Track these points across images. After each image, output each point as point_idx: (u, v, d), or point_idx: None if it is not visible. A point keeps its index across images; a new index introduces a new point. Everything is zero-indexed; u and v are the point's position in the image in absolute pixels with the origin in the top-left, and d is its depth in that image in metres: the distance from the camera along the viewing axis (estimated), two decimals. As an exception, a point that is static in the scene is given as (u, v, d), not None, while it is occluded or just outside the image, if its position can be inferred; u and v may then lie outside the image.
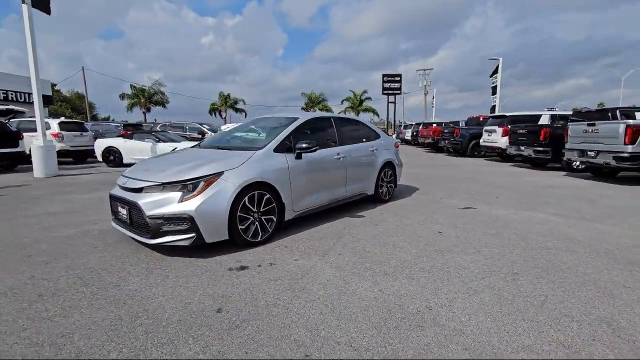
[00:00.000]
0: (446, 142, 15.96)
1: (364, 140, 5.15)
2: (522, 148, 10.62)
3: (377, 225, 4.17)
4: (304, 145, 3.78)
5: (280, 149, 3.75)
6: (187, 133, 13.86)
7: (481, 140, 13.78)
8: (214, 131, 14.11)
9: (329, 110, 42.76)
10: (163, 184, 3.08)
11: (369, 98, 42.74)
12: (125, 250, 3.30)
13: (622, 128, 7.14)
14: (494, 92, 25.55)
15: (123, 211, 3.28)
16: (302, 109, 44.10)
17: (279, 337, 1.91)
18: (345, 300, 2.33)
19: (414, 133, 23.90)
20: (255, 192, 3.35)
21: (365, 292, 2.43)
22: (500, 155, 12.97)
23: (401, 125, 32.10)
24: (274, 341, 1.87)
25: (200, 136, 13.65)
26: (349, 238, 3.66)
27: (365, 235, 3.77)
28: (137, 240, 3.29)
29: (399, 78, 40.05)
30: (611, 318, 2.10)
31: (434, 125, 20.68)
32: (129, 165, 11.24)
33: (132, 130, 14.83)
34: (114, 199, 3.44)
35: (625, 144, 7.07)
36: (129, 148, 10.72)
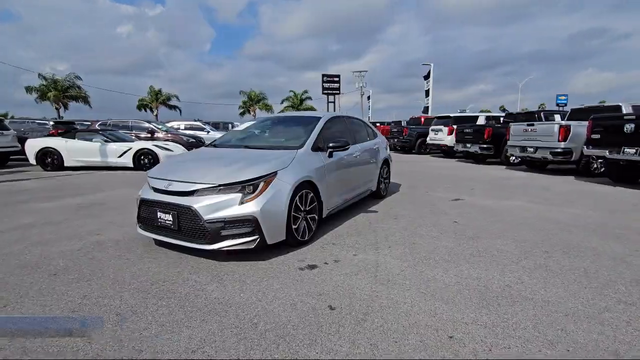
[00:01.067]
0: (395, 140, 17.11)
1: (368, 138, 5.38)
2: (469, 145, 11.92)
3: (397, 218, 4.43)
4: (337, 144, 3.86)
5: (314, 147, 3.78)
6: (134, 132, 12.61)
7: (428, 139, 15.07)
8: (165, 131, 13.10)
9: (269, 108, 42.30)
10: (221, 185, 2.91)
11: (309, 97, 43.34)
12: (168, 259, 3.04)
13: (556, 128, 8.52)
14: (427, 95, 27.96)
15: (167, 217, 3.00)
16: (241, 107, 42.89)
17: (407, 325, 2.02)
18: (435, 286, 2.52)
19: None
20: (303, 191, 3.34)
21: (444, 278, 2.65)
22: (445, 152, 14.33)
23: None
24: (405, 329, 1.98)
25: (150, 135, 12.55)
26: (383, 232, 3.85)
27: (395, 228, 4.00)
28: (173, 247, 3.05)
29: (337, 79, 41.32)
30: (638, 276, 2.63)
31: (379, 124, 21.93)
32: (72, 168, 10.01)
33: (63, 129, 13.04)
34: (150, 204, 3.11)
35: (558, 141, 8.46)
36: (71, 149, 9.42)
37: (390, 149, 18.67)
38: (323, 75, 40.93)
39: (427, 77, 27.03)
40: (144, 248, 3.32)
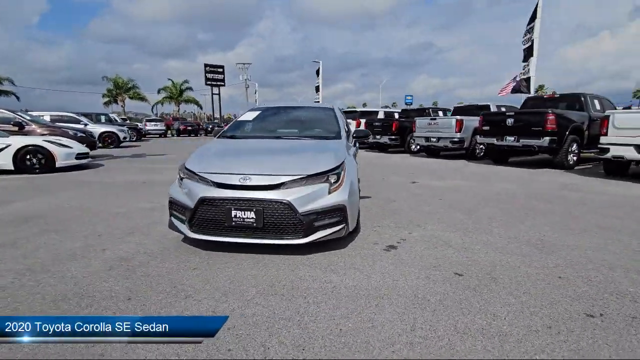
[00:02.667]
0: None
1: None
2: (378, 137, 13.49)
3: (395, 201, 4.95)
4: (360, 134, 4.08)
5: (347, 136, 3.91)
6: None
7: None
8: (40, 124, 10.30)
9: (143, 99, 37.16)
10: (310, 176, 2.80)
11: (190, 88, 39.92)
12: (255, 261, 2.75)
13: (454, 121, 10.57)
14: (317, 90, 29.60)
15: (247, 214, 2.69)
16: (106, 96, 36.36)
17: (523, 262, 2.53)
18: (514, 247, 3.11)
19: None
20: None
21: (502, 233, 3.28)
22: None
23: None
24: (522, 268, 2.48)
25: (16, 128, 9.66)
26: (404, 214, 4.29)
27: (406, 209, 4.49)
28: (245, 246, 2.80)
29: (222, 69, 39.33)
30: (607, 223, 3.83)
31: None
32: None
33: None
34: (219, 203, 2.71)
35: (455, 132, 10.54)
36: None
37: None
38: (206, 65, 38.27)
39: (317, 74, 28.58)
40: (205, 255, 2.88)
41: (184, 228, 2.90)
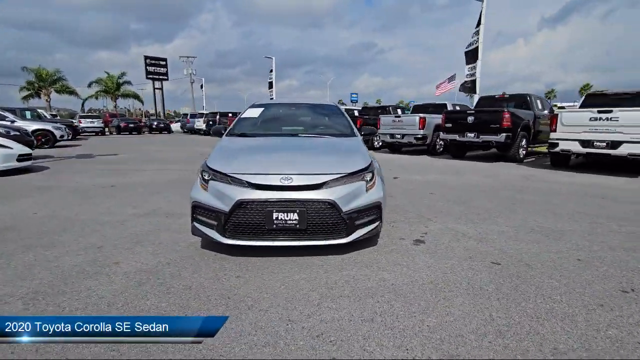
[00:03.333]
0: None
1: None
2: (343, 134, 13.70)
3: (393, 197, 5.07)
4: (367, 132, 4.12)
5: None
6: None
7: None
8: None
9: (73, 92, 33.33)
10: (351, 174, 2.75)
11: (128, 82, 36.70)
12: (299, 267, 2.64)
13: (417, 119, 11.12)
14: (270, 87, 29.16)
15: (289, 216, 2.57)
16: (26, 89, 31.97)
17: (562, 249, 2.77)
18: (524, 235, 3.36)
19: (210, 122, 23.65)
20: (373, 176, 3.52)
21: (512, 231, 3.54)
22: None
23: (187, 115, 30.18)
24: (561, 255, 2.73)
25: None
26: (409, 209, 4.43)
27: (410, 204, 4.65)
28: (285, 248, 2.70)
29: (164, 62, 36.73)
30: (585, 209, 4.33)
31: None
32: None
33: None
34: (259, 206, 2.55)
35: (419, 129, 11.11)
36: None
37: None
38: (146, 57, 35.41)
39: (271, 70, 28.10)
40: (239, 261, 2.69)
41: (213, 234, 2.69)
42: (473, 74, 15.67)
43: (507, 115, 8.80)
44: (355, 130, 3.92)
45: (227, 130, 3.84)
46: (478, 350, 1.66)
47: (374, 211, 2.87)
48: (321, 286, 2.33)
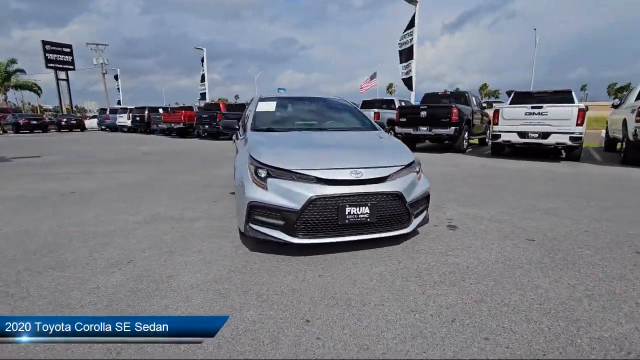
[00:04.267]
0: (207, 127, 16.34)
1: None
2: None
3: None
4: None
5: None
6: None
7: (245, 124, 15.61)
8: None
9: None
10: (405, 166, 2.82)
11: (22, 70, 30.88)
12: (346, 260, 2.62)
13: (372, 113, 11.63)
14: (202, 80, 27.48)
15: (361, 210, 2.54)
16: None
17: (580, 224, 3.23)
18: (533, 215, 3.81)
19: (137, 118, 21.39)
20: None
21: (521, 212, 4.00)
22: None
23: (106, 110, 26.49)
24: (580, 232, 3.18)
25: None
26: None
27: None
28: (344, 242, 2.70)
29: (69, 49, 31.69)
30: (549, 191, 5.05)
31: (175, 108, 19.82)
32: None
33: None
34: (332, 201, 2.48)
35: (374, 123, 11.64)
36: None
37: (202, 136, 17.84)
38: (44, 43, 30.07)
39: (202, 61, 26.41)
40: (303, 260, 2.57)
41: (279, 234, 2.54)
42: (409, 72, 16.92)
43: (455, 111, 9.76)
44: (374, 122, 4.00)
45: (251, 125, 3.58)
46: (594, 313, 1.91)
47: (425, 201, 3.01)
48: (410, 275, 2.38)
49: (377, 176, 2.66)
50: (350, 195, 2.55)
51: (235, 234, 3.18)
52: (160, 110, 20.98)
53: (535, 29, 34.99)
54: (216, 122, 15.86)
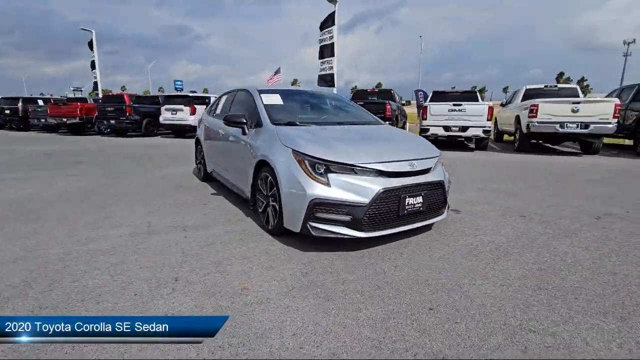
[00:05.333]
0: (112, 122, 14.13)
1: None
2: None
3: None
4: None
5: None
6: None
7: (162, 119, 14.01)
8: None
9: None
10: (438, 157, 3.04)
11: None
12: (405, 250, 2.75)
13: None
14: (93, 67, 23.55)
15: (417, 200, 2.67)
16: None
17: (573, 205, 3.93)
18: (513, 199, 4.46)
19: (7, 111, 17.13)
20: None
21: (505, 198, 4.64)
22: (185, 131, 14.13)
23: None
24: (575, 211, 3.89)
25: None
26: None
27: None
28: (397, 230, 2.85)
29: None
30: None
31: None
32: None
33: None
34: (395, 193, 2.56)
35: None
36: None
37: (105, 133, 15.69)
38: None
39: (91, 46, 22.51)
40: (363, 255, 2.57)
41: (345, 230, 2.52)
42: (331, 67, 17.55)
43: (389, 107, 10.60)
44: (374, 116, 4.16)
45: (268, 119, 3.32)
46: (621, 266, 2.43)
47: (447, 190, 3.31)
48: (469, 255, 2.62)
49: (426, 167, 2.84)
50: (409, 186, 2.66)
51: (266, 235, 2.99)
52: (40, 102, 17.23)
53: (420, 36, 39.73)
54: (126, 116, 13.85)
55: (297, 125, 3.31)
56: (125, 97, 15.59)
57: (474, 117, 9.44)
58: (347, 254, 2.63)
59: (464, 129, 9.52)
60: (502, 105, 12.34)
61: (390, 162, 2.66)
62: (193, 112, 13.54)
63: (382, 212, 2.56)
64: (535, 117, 8.77)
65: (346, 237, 2.53)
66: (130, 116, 13.93)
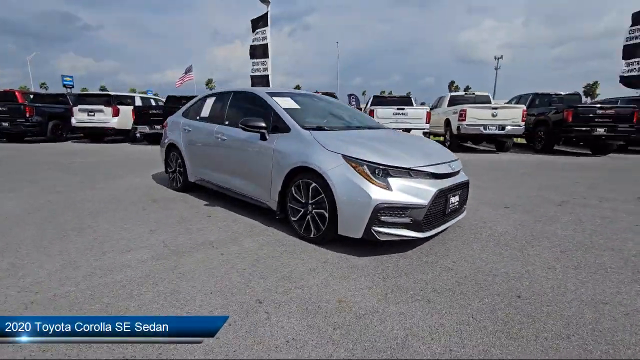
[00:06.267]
0: (5, 124, 11.57)
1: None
2: (157, 127, 11.68)
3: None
4: None
5: None
6: None
7: (74, 121, 12.03)
8: None
9: None
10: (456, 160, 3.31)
11: None
12: (442, 238, 2.96)
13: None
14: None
15: (455, 199, 2.88)
16: None
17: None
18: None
19: None
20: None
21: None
22: (106, 134, 12.37)
23: None
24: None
25: None
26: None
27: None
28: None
29: None
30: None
31: None
32: None
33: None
34: (444, 194, 2.71)
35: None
36: None
37: None
38: None
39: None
40: (419, 252, 2.67)
41: (407, 232, 2.61)
42: (265, 69, 17.23)
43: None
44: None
45: (297, 124, 3.17)
46: (612, 242, 3.00)
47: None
48: (505, 245, 2.93)
49: (459, 168, 3.08)
50: (453, 186, 2.86)
51: (306, 244, 2.92)
52: None
53: (337, 42, 41.61)
54: (26, 118, 11.49)
55: (325, 130, 3.25)
56: (17, 94, 12.92)
57: (415, 119, 10.37)
58: (400, 255, 2.71)
59: (407, 130, 10.36)
60: (431, 109, 13.79)
61: (437, 164, 2.83)
62: (116, 114, 11.98)
63: (435, 212, 2.71)
64: (464, 120, 10.05)
65: (407, 238, 2.61)
66: (31, 117, 11.63)
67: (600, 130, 9.39)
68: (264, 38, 16.80)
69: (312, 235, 2.92)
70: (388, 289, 2.19)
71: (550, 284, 2.28)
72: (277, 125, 3.31)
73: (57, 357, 1.57)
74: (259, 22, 17.15)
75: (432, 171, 2.75)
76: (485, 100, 12.01)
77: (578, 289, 2.20)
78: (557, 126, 9.95)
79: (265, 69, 17.23)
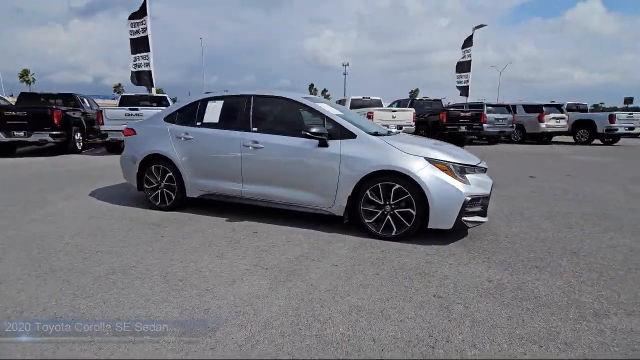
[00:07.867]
0: None
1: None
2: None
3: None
4: None
5: None
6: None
7: None
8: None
9: None
10: None
11: None
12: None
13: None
14: None
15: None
16: None
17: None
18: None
19: None
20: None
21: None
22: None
23: None
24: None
25: None
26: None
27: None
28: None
29: None
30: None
31: None
32: None
33: None
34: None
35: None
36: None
37: None
38: None
39: None
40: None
41: (479, 218, 3.09)
42: (147, 64, 14.91)
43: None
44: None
45: (364, 130, 3.29)
46: (595, 208, 4.23)
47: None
48: (524, 221, 3.69)
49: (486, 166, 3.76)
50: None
51: (388, 242, 3.06)
52: None
53: (201, 38, 39.94)
54: None
55: (380, 135, 3.45)
56: None
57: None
58: (459, 243, 3.09)
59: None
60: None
61: (480, 161, 3.41)
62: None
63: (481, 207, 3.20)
64: (372, 120, 11.47)
65: (482, 222, 3.10)
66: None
67: (463, 128, 12.28)
68: (144, 30, 14.54)
69: (393, 234, 3.06)
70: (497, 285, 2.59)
71: (604, 255, 3.12)
72: (334, 132, 3.32)
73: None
74: (138, 12, 14.68)
75: (484, 166, 3.35)
76: (376, 103, 13.82)
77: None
78: (435, 125, 12.47)
79: (148, 64, 14.98)
